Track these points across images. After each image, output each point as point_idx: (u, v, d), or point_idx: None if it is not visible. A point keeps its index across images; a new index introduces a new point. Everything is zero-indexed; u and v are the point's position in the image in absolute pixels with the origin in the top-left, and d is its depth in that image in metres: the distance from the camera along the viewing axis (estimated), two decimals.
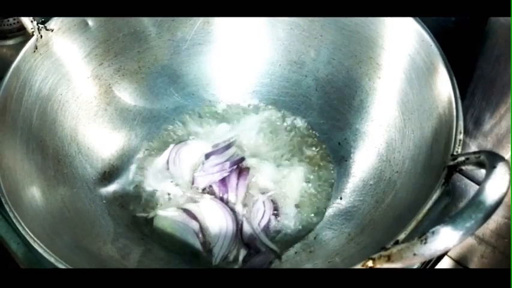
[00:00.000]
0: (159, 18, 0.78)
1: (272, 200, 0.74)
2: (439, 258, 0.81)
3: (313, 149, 0.80)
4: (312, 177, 0.77)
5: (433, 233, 0.40)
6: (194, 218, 0.72)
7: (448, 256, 0.86)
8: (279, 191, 0.75)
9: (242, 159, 0.77)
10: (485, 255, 0.83)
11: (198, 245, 0.70)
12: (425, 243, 0.40)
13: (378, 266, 0.45)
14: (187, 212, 0.72)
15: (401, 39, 0.66)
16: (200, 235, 0.70)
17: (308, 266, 0.66)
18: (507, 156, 0.69)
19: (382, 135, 0.71)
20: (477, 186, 0.48)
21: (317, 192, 0.76)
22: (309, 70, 0.80)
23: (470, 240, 0.83)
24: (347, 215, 0.70)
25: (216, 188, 0.75)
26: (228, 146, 0.79)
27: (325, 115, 0.80)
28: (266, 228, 0.72)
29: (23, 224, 0.53)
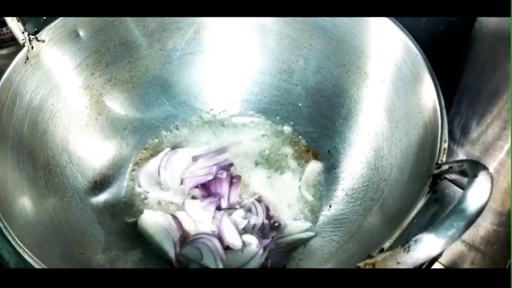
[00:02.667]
0: (149, 28, 0.78)
1: (266, 207, 0.75)
2: (429, 265, 0.81)
3: (304, 157, 0.81)
4: (302, 185, 0.78)
5: (415, 241, 0.41)
6: (179, 227, 0.72)
7: (439, 262, 0.86)
8: (269, 199, 0.76)
9: (230, 165, 0.78)
10: (475, 261, 0.84)
11: (172, 254, 0.69)
12: (408, 251, 0.41)
13: None
14: (175, 219, 0.72)
15: (388, 49, 0.67)
16: (177, 247, 0.70)
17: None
18: (494, 164, 0.69)
19: (370, 143, 0.71)
20: None
21: (308, 200, 0.76)
22: (299, 79, 0.81)
23: (461, 247, 0.83)
24: (336, 222, 0.71)
25: (207, 195, 0.75)
26: (219, 153, 0.80)
27: (315, 123, 0.81)
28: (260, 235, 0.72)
29: (12, 233, 0.53)
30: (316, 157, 0.81)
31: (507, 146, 0.66)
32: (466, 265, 0.86)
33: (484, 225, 0.77)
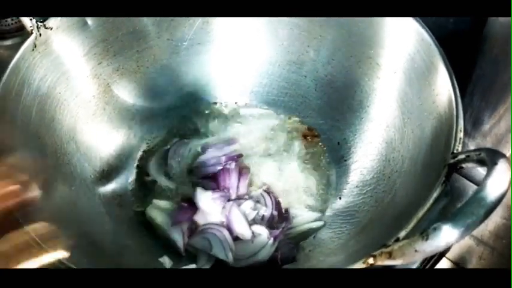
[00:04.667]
0: (158, 18, 0.78)
1: (275, 198, 0.74)
2: (438, 259, 0.80)
3: (313, 149, 0.80)
4: (311, 176, 0.77)
5: (434, 229, 0.40)
6: (188, 216, 0.71)
7: (447, 258, 0.86)
8: (278, 189, 0.75)
9: (240, 155, 0.77)
10: (483, 256, 0.84)
11: (180, 244, 0.68)
12: (426, 239, 0.40)
13: (379, 263, 0.45)
14: (183, 208, 0.72)
15: (400, 39, 0.66)
16: (186, 237, 0.69)
17: (306, 265, 0.66)
18: (508, 155, 0.69)
19: (381, 135, 0.71)
20: (475, 187, 0.48)
21: (317, 192, 0.76)
22: (308, 70, 0.81)
23: (469, 242, 0.83)
24: (346, 214, 0.70)
25: (216, 186, 0.75)
26: (228, 143, 0.79)
27: (325, 115, 0.81)
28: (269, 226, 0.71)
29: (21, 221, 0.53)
30: (325, 148, 0.80)
31: None
32: (474, 260, 0.86)
33: (494, 219, 0.77)
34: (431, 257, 0.72)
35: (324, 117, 0.81)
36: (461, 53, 0.67)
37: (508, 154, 0.68)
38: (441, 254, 0.82)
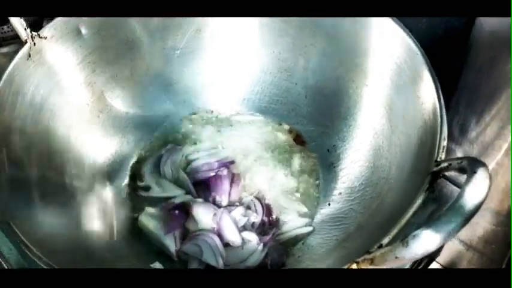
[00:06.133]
0: (151, 27, 0.79)
1: (265, 204, 0.75)
2: (428, 263, 0.81)
3: (303, 155, 0.81)
4: (301, 183, 0.78)
5: (414, 236, 0.41)
6: (180, 223, 0.72)
7: (437, 262, 0.86)
8: (268, 196, 0.76)
9: (231, 162, 0.78)
10: (473, 261, 0.84)
11: (172, 249, 0.70)
12: (406, 246, 0.41)
13: (362, 268, 0.46)
14: (174, 216, 0.72)
15: (388, 48, 0.67)
16: (178, 243, 0.70)
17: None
18: (493, 164, 0.70)
19: (369, 142, 0.72)
20: None
21: (306, 198, 0.77)
22: (299, 78, 0.82)
23: (458, 247, 0.84)
24: (335, 220, 0.71)
25: (208, 192, 0.76)
26: (219, 150, 0.81)
27: (315, 122, 0.82)
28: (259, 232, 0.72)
29: (16, 229, 0.54)
30: (315, 155, 0.82)
31: (505, 146, 0.67)
32: (464, 265, 0.86)
33: (482, 225, 0.78)
34: (421, 261, 0.73)
35: (314, 124, 0.82)
36: (449, 60, 0.68)
37: (493, 162, 0.69)
38: (431, 259, 0.83)
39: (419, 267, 0.76)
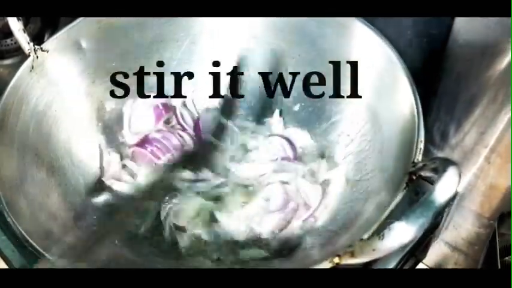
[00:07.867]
0: (148, 40, 0.82)
1: None
2: (414, 264, 0.84)
3: None
4: None
5: (389, 229, 0.44)
6: None
7: (423, 263, 0.88)
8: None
9: None
10: (458, 262, 0.85)
11: None
12: (382, 239, 0.45)
13: (343, 261, 0.49)
14: None
15: (371, 59, 0.70)
16: None
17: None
18: (473, 169, 0.72)
19: (354, 147, 0.75)
20: None
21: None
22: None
23: (444, 249, 0.86)
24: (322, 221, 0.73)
25: None
26: None
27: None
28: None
29: (20, 228, 0.56)
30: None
31: (485, 151, 0.69)
32: (450, 266, 0.88)
33: (466, 227, 0.80)
34: (406, 260, 0.76)
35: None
36: (430, 69, 0.72)
37: (473, 169, 0.72)
38: (418, 260, 0.86)
39: (405, 267, 0.78)
